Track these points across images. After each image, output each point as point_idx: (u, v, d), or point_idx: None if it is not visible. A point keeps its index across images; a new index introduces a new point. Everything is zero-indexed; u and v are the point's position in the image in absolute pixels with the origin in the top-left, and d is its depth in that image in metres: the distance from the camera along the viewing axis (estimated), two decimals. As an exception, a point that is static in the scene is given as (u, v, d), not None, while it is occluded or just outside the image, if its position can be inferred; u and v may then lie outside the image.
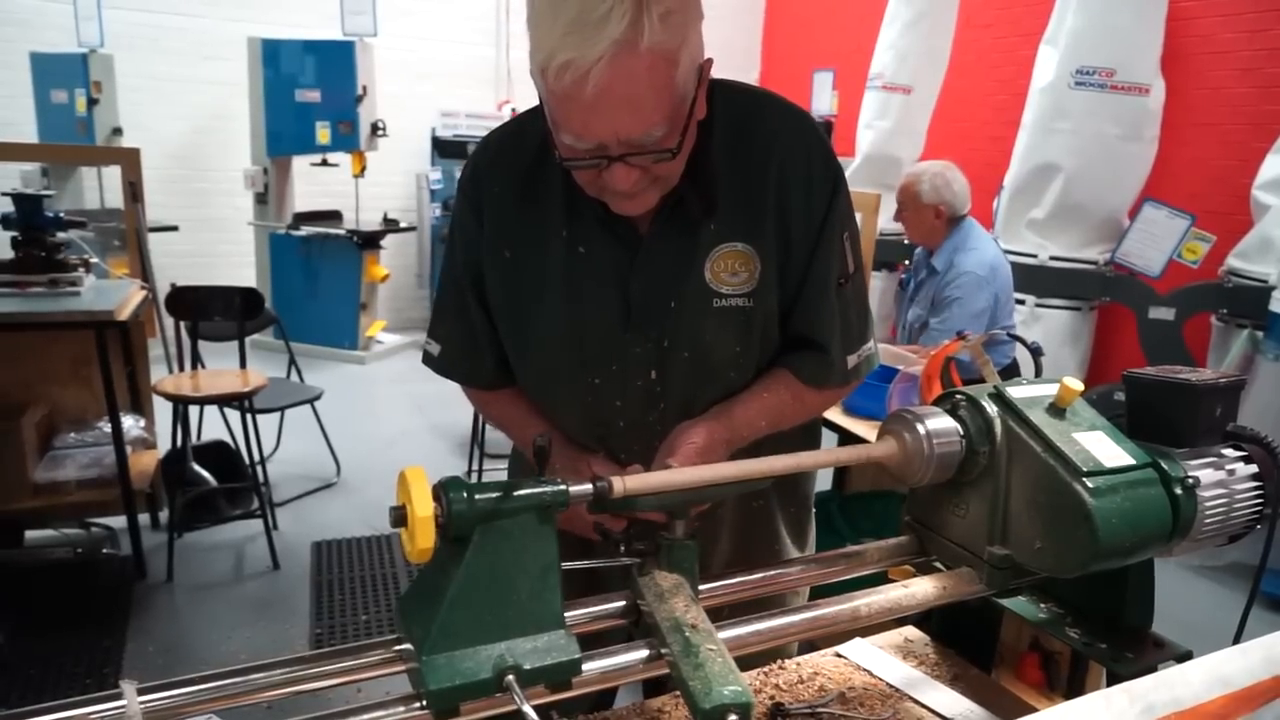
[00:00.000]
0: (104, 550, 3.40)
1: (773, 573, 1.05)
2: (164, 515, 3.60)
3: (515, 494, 0.77)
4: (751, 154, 1.13)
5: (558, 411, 1.24)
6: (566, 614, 0.82)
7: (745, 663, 0.85)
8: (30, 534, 3.41)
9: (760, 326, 1.16)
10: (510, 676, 0.74)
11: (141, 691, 0.73)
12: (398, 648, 0.81)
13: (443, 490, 0.75)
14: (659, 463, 1.06)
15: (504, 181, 1.19)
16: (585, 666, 0.80)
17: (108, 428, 3.21)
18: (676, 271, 1.13)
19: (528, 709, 0.72)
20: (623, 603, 0.92)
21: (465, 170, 1.24)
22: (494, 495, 0.76)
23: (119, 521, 3.36)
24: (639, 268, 1.14)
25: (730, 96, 1.16)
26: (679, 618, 0.84)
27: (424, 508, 0.73)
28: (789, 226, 1.14)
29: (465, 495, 0.75)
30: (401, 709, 0.75)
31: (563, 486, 0.80)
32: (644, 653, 0.85)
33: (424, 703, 0.74)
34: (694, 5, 0.99)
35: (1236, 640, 1.04)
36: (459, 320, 1.27)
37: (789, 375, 1.20)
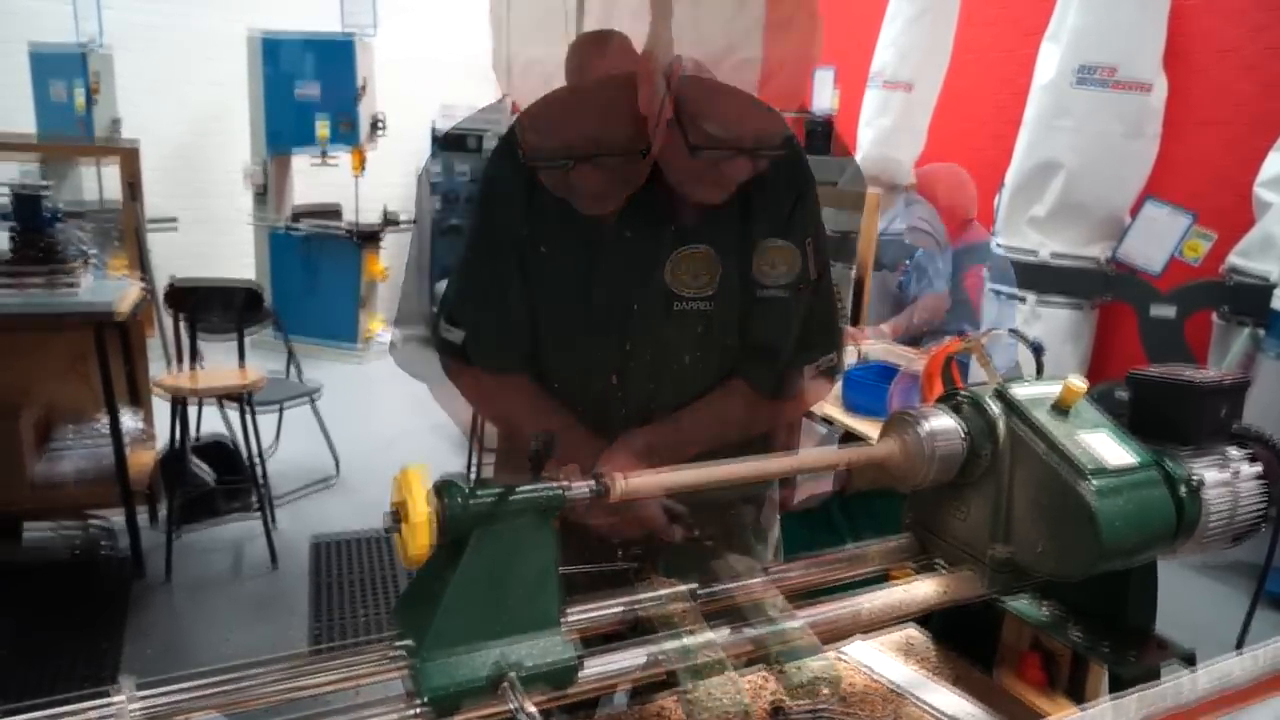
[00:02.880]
0: (102, 549, 3.39)
1: (774, 574, 1.04)
2: (162, 512, 3.59)
3: (513, 496, 0.76)
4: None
5: None
6: (564, 616, 0.81)
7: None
8: (28, 532, 3.40)
9: (721, 331, 1.13)
10: (508, 679, 0.74)
11: (137, 689, 0.72)
12: (395, 646, 0.80)
13: (439, 492, 0.74)
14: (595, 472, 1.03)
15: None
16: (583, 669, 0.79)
17: (106, 425, 3.20)
18: (637, 274, 1.10)
19: (525, 712, 0.71)
20: (621, 605, 0.91)
21: (496, 155, 1.14)
22: (491, 497, 0.75)
23: (118, 519, 3.35)
24: (600, 269, 1.11)
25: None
26: (678, 622, 0.83)
27: (420, 510, 0.72)
28: (752, 230, 1.11)
29: (462, 497, 0.74)
30: (399, 711, 0.74)
31: (560, 488, 0.79)
32: (642, 656, 0.84)
33: (421, 704, 0.74)
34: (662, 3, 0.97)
35: (1240, 640, 1.04)
36: (495, 300, 1.16)
37: (743, 384, 1.17)
